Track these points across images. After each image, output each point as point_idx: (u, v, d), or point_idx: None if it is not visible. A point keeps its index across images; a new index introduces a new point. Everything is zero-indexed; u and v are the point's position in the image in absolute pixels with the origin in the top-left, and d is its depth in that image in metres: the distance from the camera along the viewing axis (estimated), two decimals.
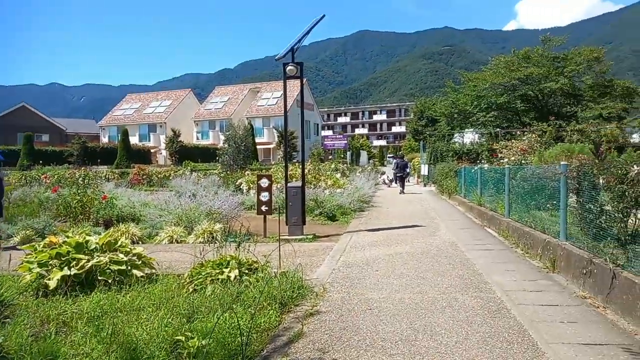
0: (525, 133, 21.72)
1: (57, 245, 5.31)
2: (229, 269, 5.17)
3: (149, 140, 51.51)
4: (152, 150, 48.04)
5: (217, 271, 5.16)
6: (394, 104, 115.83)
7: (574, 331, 3.78)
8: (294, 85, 48.14)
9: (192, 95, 59.33)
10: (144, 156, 42.65)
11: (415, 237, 8.73)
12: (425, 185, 26.03)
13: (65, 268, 5.01)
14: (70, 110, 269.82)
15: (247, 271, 5.25)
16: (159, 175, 26.61)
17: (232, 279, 5.00)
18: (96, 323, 4.04)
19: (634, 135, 26.11)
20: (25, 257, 5.30)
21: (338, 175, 19.29)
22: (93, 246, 5.47)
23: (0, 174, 10.77)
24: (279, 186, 15.58)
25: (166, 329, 3.80)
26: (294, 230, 9.23)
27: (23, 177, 23.69)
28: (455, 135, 34.03)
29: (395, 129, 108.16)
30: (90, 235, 5.73)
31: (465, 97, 35.10)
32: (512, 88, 31.19)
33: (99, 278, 5.06)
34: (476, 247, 7.61)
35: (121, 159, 37.69)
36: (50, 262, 5.08)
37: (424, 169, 27.64)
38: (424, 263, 6.46)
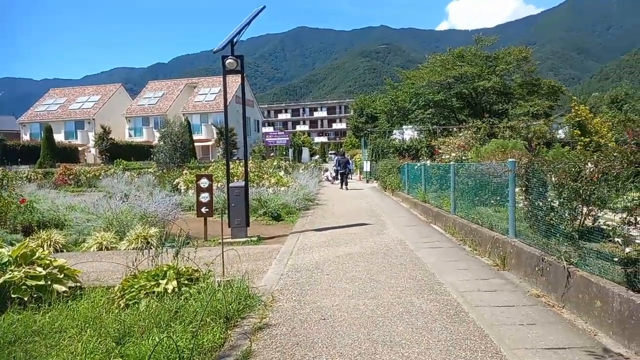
0: (462, 130, 22.50)
1: None
2: (166, 280, 4.65)
3: (76, 138, 48.23)
4: (79, 149, 45.02)
5: (153, 283, 4.62)
6: (334, 101, 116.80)
7: (535, 334, 3.67)
8: (233, 81, 46.96)
9: (123, 90, 56.27)
10: (70, 155, 39.78)
11: (363, 236, 8.54)
12: (367, 182, 26.23)
13: None
14: None
15: (187, 282, 4.76)
16: (88, 175, 24.83)
17: (169, 291, 4.49)
18: (6, 351, 3.42)
19: (560, 132, 27.80)
20: None
21: (282, 173, 18.87)
22: (5, 259, 4.73)
23: None
24: (219, 185, 14.94)
25: (92, 355, 3.28)
26: (237, 232, 8.75)
27: None
28: (395, 132, 34.69)
29: (336, 125, 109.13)
30: (1, 247, 4.96)
31: (404, 95, 35.87)
32: (447, 86, 32.23)
33: (12, 296, 4.36)
34: (425, 245, 7.53)
35: (45, 158, 34.92)
36: None
37: (366, 166, 27.86)
38: (375, 264, 6.25)
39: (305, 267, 6.24)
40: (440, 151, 17.16)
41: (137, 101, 52.99)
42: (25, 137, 48.15)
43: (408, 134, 33.67)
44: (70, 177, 23.94)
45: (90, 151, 45.80)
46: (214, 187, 10.97)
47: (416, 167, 13.82)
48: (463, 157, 13.39)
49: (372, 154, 27.50)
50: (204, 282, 4.80)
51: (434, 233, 8.88)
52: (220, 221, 7.30)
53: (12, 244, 8.27)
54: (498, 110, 31.06)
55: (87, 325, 3.90)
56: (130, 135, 49.36)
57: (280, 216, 11.58)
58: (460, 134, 19.45)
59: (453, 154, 14.31)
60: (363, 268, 6.02)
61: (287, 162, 31.65)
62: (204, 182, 8.90)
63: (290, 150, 44.21)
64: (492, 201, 7.20)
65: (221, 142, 40.84)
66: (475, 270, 5.82)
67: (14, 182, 19.17)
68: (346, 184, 21.98)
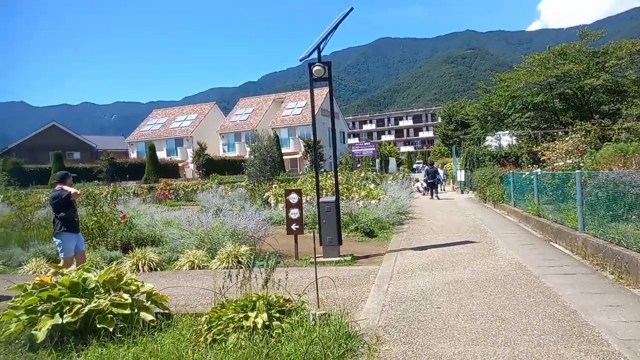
0: (568, 133, 20.12)
1: (48, 287, 4.37)
2: (255, 312, 4.11)
3: (176, 155, 51.50)
4: (179, 164, 47.97)
5: (241, 315, 4.11)
6: (420, 109, 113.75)
7: None
8: (318, 94, 47.38)
9: (217, 108, 59.29)
10: (171, 170, 42.52)
11: (472, 258, 7.49)
12: (462, 192, 24.55)
13: (57, 315, 4.06)
14: (100, 127, 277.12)
15: (278, 314, 4.18)
16: (186, 189, 26.08)
17: (259, 326, 3.94)
18: None
19: None
20: (12, 302, 4.38)
21: (372, 185, 18.11)
22: (92, 285, 4.51)
23: None
24: (308, 199, 14.59)
25: None
26: (329, 251, 8.14)
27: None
28: (489, 138, 32.44)
29: (423, 134, 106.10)
30: (89, 272, 4.78)
31: (499, 98, 33.46)
32: (548, 86, 29.35)
33: (98, 326, 4.10)
34: (552, 271, 6.32)
35: (149, 174, 37.53)
36: (40, 308, 4.14)
37: (461, 175, 26.12)
38: (496, 295, 5.24)
39: (410, 296, 5.40)
40: (547, 158, 15.34)
41: (230, 118, 55.48)
42: (133, 155, 52.43)
43: (505, 139, 31.23)
44: (171, 191, 25.25)
45: (189, 166, 48.61)
46: (303, 201, 10.57)
47: (524, 176, 12.32)
48: (581, 164, 11.66)
49: (466, 162, 25.75)
50: (296, 315, 4.20)
51: (558, 254, 7.54)
52: (311, 237, 6.77)
53: (111, 261, 8.46)
54: (609, 111, 27.63)
55: None
56: (224, 151, 51.67)
57: (373, 232, 10.83)
58: (567, 138, 17.33)
59: (569, 160, 12.57)
60: (481, 300, 5.06)
61: (375, 172, 30.83)
62: (293, 198, 8.46)
63: (377, 161, 43.30)
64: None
65: (308, 155, 41.08)
66: (631, 307, 4.59)
67: (120, 197, 20.55)
68: (436, 194, 21.99)
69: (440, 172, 29.09)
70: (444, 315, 4.64)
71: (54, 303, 4.19)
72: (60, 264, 6.47)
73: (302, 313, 4.25)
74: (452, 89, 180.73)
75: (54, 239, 6.77)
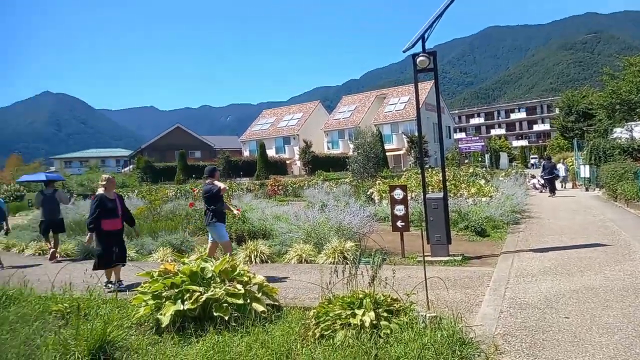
0: None
1: (171, 274, 4.74)
2: (362, 310, 4.04)
3: (284, 152, 53.67)
4: (287, 162, 49.93)
5: (348, 312, 4.06)
6: (534, 101, 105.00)
7: None
8: (422, 89, 46.02)
9: (321, 107, 60.56)
10: (280, 167, 44.43)
11: (604, 262, 6.65)
12: (587, 190, 22.11)
13: (179, 301, 4.38)
14: (218, 128, 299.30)
15: (385, 314, 4.06)
16: (294, 186, 27.08)
17: (367, 324, 3.86)
18: None
19: None
20: (141, 287, 4.83)
21: (482, 182, 17.09)
22: (209, 275, 4.80)
23: (61, 195, 11.53)
24: (413, 195, 14.20)
25: None
26: (437, 250, 7.80)
27: (178, 191, 25.93)
28: (617, 129, 28.89)
29: (537, 127, 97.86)
30: (206, 262, 5.10)
31: (629, 85, 29.64)
32: None
33: (215, 314, 4.33)
34: None
35: (260, 171, 39.61)
36: (164, 294, 4.50)
37: (584, 171, 23.54)
38: (637, 307, 4.56)
39: (532, 303, 4.93)
40: None
41: (333, 116, 56.35)
42: (245, 153, 55.76)
43: (638, 131, 27.51)
44: (280, 187, 26.37)
45: (296, 164, 50.38)
46: (408, 197, 10.27)
47: None
48: None
49: (590, 156, 23.14)
50: (405, 316, 4.05)
51: None
52: (418, 235, 6.51)
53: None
54: None
55: (279, 358, 3.53)
56: (328, 148, 52.66)
57: (484, 231, 10.17)
58: None
59: None
60: (619, 312, 4.43)
61: (484, 169, 29.11)
62: (398, 194, 8.25)
63: (487, 156, 40.87)
64: None
65: (412, 151, 40.11)
66: None
67: (235, 192, 21.91)
68: (552, 190, 20.40)
69: (561, 167, 26.56)
70: (574, 326, 4.14)
71: (176, 290, 4.53)
72: (222, 250, 7.17)
73: (411, 314, 4.08)
74: (571, 78, 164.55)
75: (207, 228, 7.36)
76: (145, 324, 4.52)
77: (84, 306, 5.01)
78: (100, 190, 7.17)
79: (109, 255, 6.88)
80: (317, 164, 40.31)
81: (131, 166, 56.61)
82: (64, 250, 10.70)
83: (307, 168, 42.02)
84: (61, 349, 3.62)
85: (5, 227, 10.64)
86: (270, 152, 49.83)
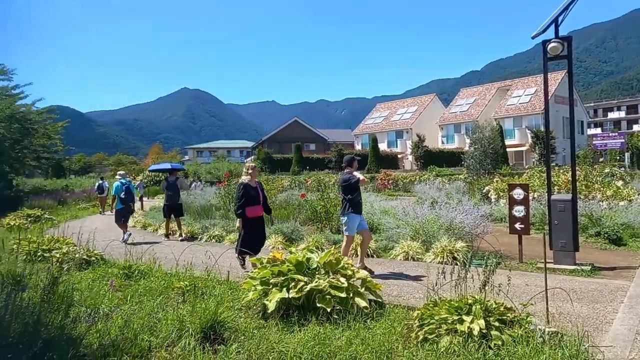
0: None
1: (279, 262, 4.90)
2: (470, 317, 3.76)
3: (396, 146, 52.97)
4: (399, 156, 49.23)
5: (455, 317, 3.82)
6: None
7: None
8: (551, 79, 41.95)
9: (437, 100, 58.47)
10: (391, 161, 43.99)
11: None
12: None
13: (285, 289, 4.51)
14: (333, 122, 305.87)
15: (497, 324, 3.74)
16: (404, 180, 26.61)
17: (475, 333, 3.58)
18: None
19: None
20: (251, 272, 5.07)
21: (619, 183, 15.06)
22: (314, 265, 4.87)
23: (182, 182, 12.74)
24: (535, 195, 13.04)
25: None
26: (561, 257, 7.03)
27: (292, 181, 27.09)
28: None
29: None
30: (312, 252, 5.18)
31: None
32: None
33: (318, 305, 4.38)
34: None
35: (371, 164, 39.63)
36: (272, 281, 4.67)
37: None
38: None
39: None
40: None
41: (450, 109, 54.07)
42: (357, 147, 56.16)
43: None
44: (390, 181, 26.11)
45: (407, 158, 49.48)
46: (530, 198, 9.41)
47: None
48: None
49: None
50: (520, 328, 3.68)
51: None
52: (539, 240, 5.94)
53: (334, 243, 9.12)
54: None
55: (380, 358, 3.44)
56: (442, 143, 50.76)
57: (620, 239, 8.93)
58: None
59: None
60: None
61: (622, 169, 25.61)
62: (518, 193, 7.59)
63: (627, 155, 35.93)
64: None
65: (536, 147, 36.79)
66: None
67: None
68: None
69: None
70: None
71: (283, 278, 4.67)
72: (343, 242, 7.11)
73: (527, 327, 3.70)
74: None
75: (341, 218, 7.21)
76: (253, 307, 4.74)
77: (201, 285, 5.43)
78: (244, 178, 7.18)
79: (252, 241, 6.87)
80: (429, 159, 39.13)
81: (252, 157, 60.45)
82: (189, 231, 11.74)
83: (418, 163, 41.00)
84: (178, 324, 3.93)
85: (133, 207, 12.01)
86: (382, 146, 49.51)
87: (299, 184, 25.85)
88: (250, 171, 7.19)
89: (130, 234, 11.14)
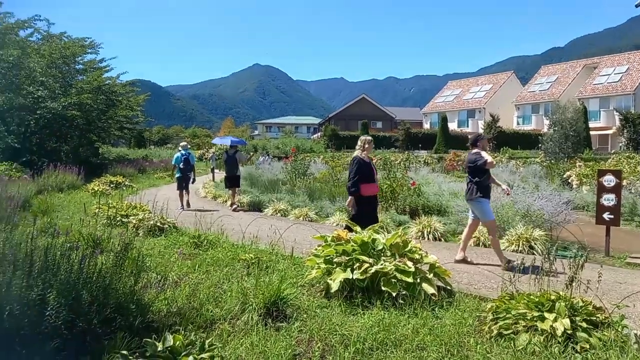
0: None
1: (343, 242, 4.76)
2: (553, 315, 3.41)
3: (467, 126, 50.78)
4: (469, 136, 47.17)
5: (536, 314, 3.48)
6: None
7: None
8: None
9: (514, 78, 54.97)
10: (461, 142, 42.11)
11: None
12: None
13: (349, 270, 4.37)
14: (401, 100, 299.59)
15: (584, 324, 3.36)
16: None
17: (558, 332, 3.24)
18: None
19: None
20: (315, 250, 4.98)
21: None
22: (380, 247, 4.68)
23: (240, 155, 13.19)
24: (625, 183, 11.88)
25: None
26: None
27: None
28: None
29: None
30: (377, 233, 4.98)
31: None
32: None
33: (383, 288, 4.21)
34: None
35: (439, 145, 38.38)
36: (335, 260, 4.55)
37: None
38: None
39: None
40: None
41: (528, 88, 50.68)
42: (426, 126, 54.54)
43: None
44: (459, 163, 25.06)
45: None
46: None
47: None
48: None
49: None
50: (611, 331, 3.28)
51: None
52: (629, 232, 5.36)
53: (399, 224, 8.87)
54: None
55: (451, 351, 3.22)
56: (517, 123, 47.87)
57: None
58: None
59: None
60: None
61: None
62: (609, 180, 6.89)
63: None
64: None
65: (625, 131, 33.54)
66: None
67: (412, 165, 21.63)
68: None
69: None
70: None
71: (347, 258, 4.53)
72: (486, 230, 6.64)
73: (620, 331, 3.30)
74: None
75: (469, 204, 6.52)
76: (316, 285, 4.66)
77: (266, 259, 5.45)
78: (358, 153, 6.49)
79: (365, 221, 5.82)
80: (502, 140, 37.13)
81: (319, 133, 60.65)
82: (256, 205, 11.94)
83: (490, 144, 39.04)
84: (242, 297, 3.93)
85: (191, 177, 12.46)
86: (452, 126, 47.64)
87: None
88: (366, 145, 6.54)
89: (183, 207, 11.72)
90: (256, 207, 11.89)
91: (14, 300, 3.03)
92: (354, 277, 4.27)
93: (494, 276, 5.15)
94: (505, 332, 3.46)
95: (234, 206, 11.95)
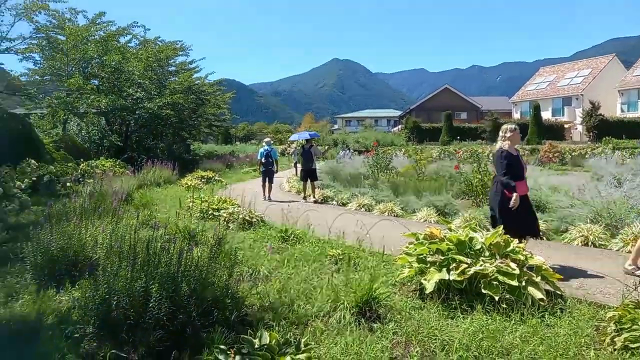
0: None
1: (437, 240, 4.49)
2: None
3: (563, 115, 46.87)
4: (565, 126, 43.56)
5: None
6: None
7: None
8: None
9: (617, 61, 49.61)
10: (556, 132, 39.21)
11: None
12: None
13: (444, 270, 4.10)
14: (486, 89, 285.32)
15: None
16: (573, 154, 23.44)
17: None
18: None
19: None
20: (406, 247, 4.75)
21: None
22: (478, 246, 4.34)
23: (316, 149, 13.36)
24: None
25: None
26: None
27: (442, 152, 25.97)
28: None
29: None
30: (475, 231, 4.63)
31: None
32: None
33: (483, 291, 3.89)
34: None
35: (532, 135, 35.91)
36: (429, 259, 4.30)
37: None
38: None
39: None
40: None
41: (633, 72, 45.48)
42: (516, 115, 51.18)
43: None
44: (555, 154, 23.24)
45: (576, 128, 43.57)
46: None
47: None
48: None
49: None
50: None
51: None
52: None
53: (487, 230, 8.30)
54: None
55: None
56: (622, 111, 43.21)
57: None
58: None
59: None
60: None
61: None
62: None
63: None
64: None
65: None
66: None
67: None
68: None
69: None
70: None
71: (442, 257, 4.26)
72: None
73: None
74: None
75: None
76: (408, 284, 4.45)
77: (354, 255, 5.32)
78: (504, 144, 5.52)
79: (516, 225, 5.02)
80: (604, 129, 33.77)
81: (400, 126, 59.57)
82: (341, 199, 11.88)
83: (591, 134, 35.75)
84: (333, 295, 3.84)
85: (274, 169, 13.05)
86: (546, 115, 44.24)
87: (448, 154, 24.65)
88: (508, 134, 5.55)
89: (265, 198, 12.35)
90: (339, 202, 11.82)
91: (120, 291, 3.19)
92: (451, 279, 4.00)
93: (610, 280, 4.59)
94: (632, 346, 3.03)
95: (312, 199, 12.24)
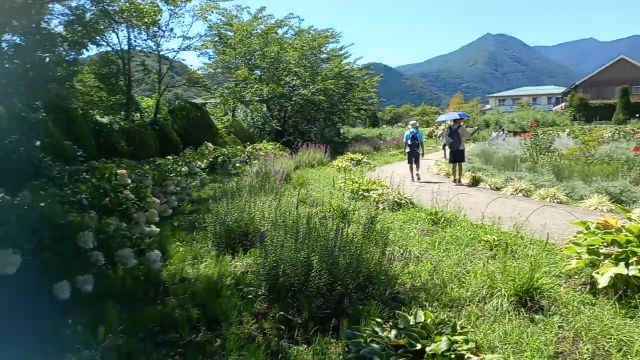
0: None
1: (613, 230, 3.98)
2: None
3: None
4: None
5: None
6: None
7: None
8: None
9: None
10: None
11: None
12: None
13: (622, 264, 3.64)
14: None
15: None
16: None
17: None
18: None
19: None
20: (574, 237, 4.31)
21: None
22: None
23: (463, 130, 12.65)
24: None
25: None
26: None
27: (616, 132, 22.59)
28: None
29: None
30: None
31: None
32: None
33: None
34: None
35: None
36: (603, 251, 3.84)
37: None
38: None
39: None
40: None
41: None
42: None
43: None
44: None
45: None
46: None
47: None
48: None
49: None
50: None
51: None
52: None
53: None
54: None
55: None
56: None
57: None
58: None
59: None
60: None
61: None
62: None
63: None
64: None
65: None
66: None
67: None
68: None
69: None
70: None
71: (618, 250, 3.77)
72: None
73: None
74: None
75: None
76: (576, 277, 4.06)
77: (510, 243, 5.02)
78: None
79: None
80: None
81: (562, 104, 53.21)
82: (494, 183, 11.20)
83: None
84: (488, 281, 3.70)
85: (419, 152, 12.87)
86: None
87: (624, 134, 21.24)
88: None
89: (412, 179, 12.33)
90: (492, 186, 11.14)
91: (286, 260, 3.55)
92: (630, 274, 3.53)
93: None
94: None
95: (458, 180, 11.95)
